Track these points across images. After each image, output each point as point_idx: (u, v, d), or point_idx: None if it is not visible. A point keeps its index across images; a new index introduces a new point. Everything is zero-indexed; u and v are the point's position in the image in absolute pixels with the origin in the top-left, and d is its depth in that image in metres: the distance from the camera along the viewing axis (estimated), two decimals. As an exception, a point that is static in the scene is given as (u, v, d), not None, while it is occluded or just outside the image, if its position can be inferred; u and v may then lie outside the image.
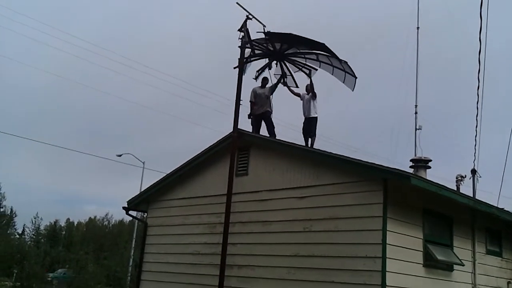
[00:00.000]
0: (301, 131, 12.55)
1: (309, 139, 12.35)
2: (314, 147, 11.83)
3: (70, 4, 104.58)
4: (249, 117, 12.62)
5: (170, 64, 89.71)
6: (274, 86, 12.82)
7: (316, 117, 12.47)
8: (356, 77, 12.20)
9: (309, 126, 12.40)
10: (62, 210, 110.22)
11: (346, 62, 11.98)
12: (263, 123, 12.59)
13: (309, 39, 11.50)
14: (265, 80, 12.90)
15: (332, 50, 11.60)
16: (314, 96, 12.53)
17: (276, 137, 11.80)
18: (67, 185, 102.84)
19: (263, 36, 11.77)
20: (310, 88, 12.66)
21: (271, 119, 12.53)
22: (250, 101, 12.65)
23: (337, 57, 11.84)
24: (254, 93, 12.64)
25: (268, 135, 12.05)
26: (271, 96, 12.78)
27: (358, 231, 8.67)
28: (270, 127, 12.33)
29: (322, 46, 11.63)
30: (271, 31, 11.64)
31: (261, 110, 12.54)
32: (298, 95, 13.02)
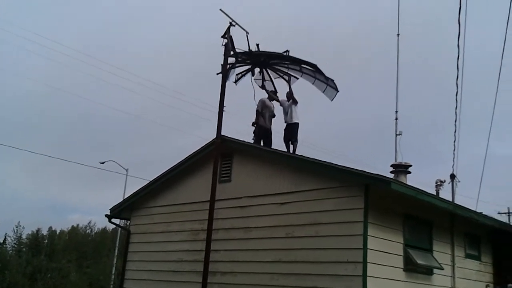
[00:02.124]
0: (282, 137, 12.62)
1: (291, 145, 12.42)
2: (296, 153, 11.91)
3: (56, 12, 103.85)
4: (253, 125, 12.66)
5: (154, 71, 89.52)
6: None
7: (298, 123, 12.53)
8: (338, 91, 12.40)
9: (291, 132, 12.46)
10: (45, 218, 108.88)
11: (332, 80, 12.16)
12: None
13: (302, 60, 11.71)
14: (287, 94, 12.98)
15: (321, 69, 11.85)
16: (295, 102, 12.63)
17: None
18: (49, 193, 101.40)
19: (254, 50, 11.90)
20: (290, 95, 12.76)
21: (271, 139, 12.69)
22: (256, 110, 12.66)
23: (324, 75, 12.05)
24: (263, 103, 12.70)
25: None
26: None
27: (340, 236, 8.75)
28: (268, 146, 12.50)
29: (313, 66, 11.86)
30: (260, 48, 11.80)
31: (269, 126, 12.69)
32: (277, 100, 13.07)
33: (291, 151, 12.10)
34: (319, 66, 12.07)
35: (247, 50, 12.22)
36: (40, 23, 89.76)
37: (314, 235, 9.12)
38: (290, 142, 12.39)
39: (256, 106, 12.72)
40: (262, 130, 12.52)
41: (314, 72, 12.40)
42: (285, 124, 12.62)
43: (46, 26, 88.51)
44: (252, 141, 12.23)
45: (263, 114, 12.60)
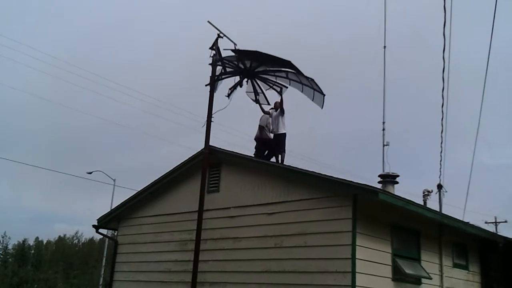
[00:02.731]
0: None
1: (279, 156, 12.42)
2: (284, 163, 11.93)
3: (40, 20, 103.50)
4: (255, 140, 12.81)
5: (142, 82, 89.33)
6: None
7: (285, 133, 12.56)
8: (324, 95, 12.42)
9: (278, 142, 12.49)
10: (31, 229, 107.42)
11: (313, 80, 12.18)
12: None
13: (275, 56, 11.70)
14: (276, 104, 13.00)
15: (299, 68, 11.82)
16: (282, 112, 12.65)
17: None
18: (36, 204, 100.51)
19: (231, 53, 11.90)
20: (279, 105, 12.80)
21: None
22: (260, 126, 12.79)
23: (303, 74, 12.04)
24: (267, 119, 12.82)
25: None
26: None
27: (328, 246, 8.77)
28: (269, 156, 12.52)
29: (288, 64, 11.84)
30: (238, 48, 11.79)
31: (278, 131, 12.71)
32: (268, 113, 13.11)
33: (279, 161, 12.12)
34: (310, 76, 12.10)
35: (234, 61, 12.28)
36: (23, 32, 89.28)
37: (303, 245, 9.13)
38: (278, 152, 12.40)
39: (259, 122, 12.80)
40: (266, 143, 12.61)
41: (297, 76, 12.41)
42: (272, 134, 12.64)
43: (31, 35, 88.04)
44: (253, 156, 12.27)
45: (266, 130, 12.71)
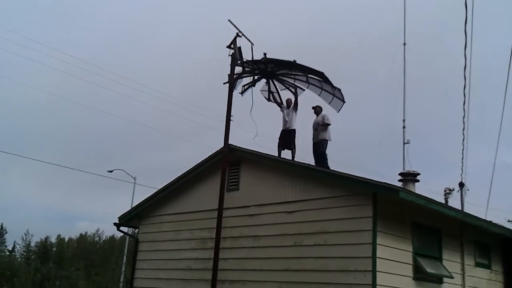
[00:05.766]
0: (278, 141, 12.50)
1: (283, 151, 12.37)
2: (295, 159, 11.88)
3: (61, 22, 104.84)
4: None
5: (163, 81, 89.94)
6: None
7: (295, 130, 12.49)
8: (344, 102, 12.41)
9: (289, 138, 12.38)
10: (53, 226, 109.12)
11: (339, 90, 12.15)
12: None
13: (309, 67, 11.71)
14: (316, 108, 12.72)
15: (329, 78, 11.88)
16: (296, 107, 12.56)
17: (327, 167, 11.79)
18: (58, 202, 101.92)
19: (262, 58, 11.91)
20: (292, 102, 12.69)
21: (320, 151, 12.31)
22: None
23: (331, 84, 12.03)
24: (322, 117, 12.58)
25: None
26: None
27: (348, 245, 8.74)
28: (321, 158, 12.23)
29: (320, 75, 11.85)
30: (267, 56, 11.83)
31: (316, 139, 12.40)
32: (279, 104, 13.08)
33: (291, 158, 12.03)
34: (325, 74, 12.08)
35: (255, 62, 12.30)
36: (45, 33, 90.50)
37: (323, 243, 9.11)
38: (288, 149, 12.33)
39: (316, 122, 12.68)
40: (314, 148, 12.43)
41: (321, 82, 12.43)
42: (282, 129, 12.55)
43: (51, 36, 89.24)
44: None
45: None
